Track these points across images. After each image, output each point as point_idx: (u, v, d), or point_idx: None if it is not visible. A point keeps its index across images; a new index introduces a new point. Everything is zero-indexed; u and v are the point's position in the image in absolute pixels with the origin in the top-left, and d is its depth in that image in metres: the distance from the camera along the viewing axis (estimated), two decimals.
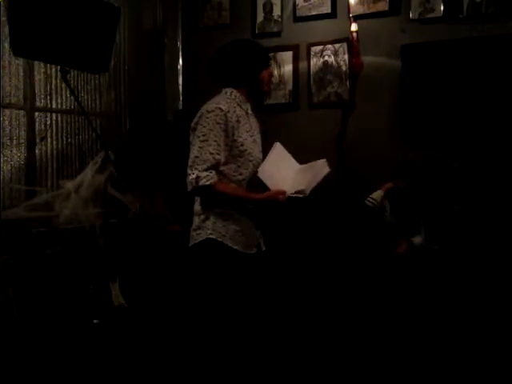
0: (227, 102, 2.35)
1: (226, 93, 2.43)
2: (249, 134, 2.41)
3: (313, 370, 3.17)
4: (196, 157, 2.26)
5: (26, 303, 3.45)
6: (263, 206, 2.37)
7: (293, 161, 2.52)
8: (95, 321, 3.61)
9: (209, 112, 2.30)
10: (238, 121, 2.34)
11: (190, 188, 2.28)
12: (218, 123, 2.28)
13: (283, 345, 3.35)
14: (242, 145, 2.34)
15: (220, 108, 2.30)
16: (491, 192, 3.80)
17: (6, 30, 3.40)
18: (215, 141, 2.27)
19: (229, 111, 2.32)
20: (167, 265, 3.95)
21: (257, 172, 2.36)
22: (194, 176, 2.24)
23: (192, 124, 2.36)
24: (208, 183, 2.24)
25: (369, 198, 3.81)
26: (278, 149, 2.48)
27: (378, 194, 3.82)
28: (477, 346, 3.23)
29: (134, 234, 4.08)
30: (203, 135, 2.27)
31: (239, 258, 2.37)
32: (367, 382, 3.08)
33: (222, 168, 2.32)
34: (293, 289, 3.99)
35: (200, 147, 2.27)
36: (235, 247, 2.35)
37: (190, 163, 2.28)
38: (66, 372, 3.11)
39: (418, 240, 3.77)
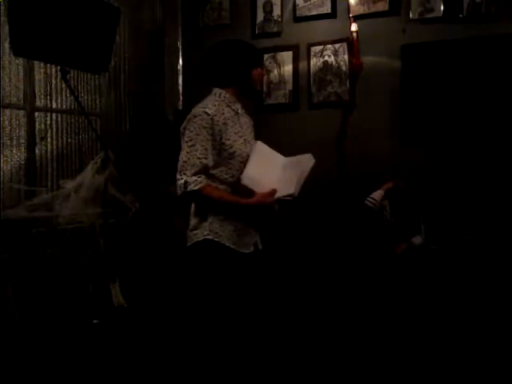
0: (215, 105, 2.35)
1: (215, 94, 2.42)
2: (238, 135, 2.39)
3: (311, 370, 3.17)
4: (184, 162, 2.28)
5: (26, 303, 3.45)
6: (253, 211, 2.37)
7: (277, 155, 2.49)
8: (95, 321, 3.62)
9: (195, 116, 2.30)
10: (225, 123, 2.33)
11: (179, 192, 2.30)
12: (205, 127, 2.28)
13: (282, 344, 3.36)
14: (231, 147, 2.34)
15: (206, 112, 2.30)
16: (492, 192, 3.80)
17: (6, 29, 3.40)
18: (202, 145, 2.28)
19: (216, 114, 2.31)
20: (167, 265, 3.94)
21: (240, 180, 2.33)
22: (183, 181, 2.27)
23: (181, 128, 2.37)
24: (196, 188, 2.26)
25: (369, 198, 3.81)
26: (260, 147, 2.45)
27: (378, 194, 3.82)
28: (476, 346, 3.24)
29: (134, 233, 4.08)
30: (190, 140, 2.29)
31: (237, 258, 2.37)
32: (367, 382, 3.08)
33: (212, 171, 2.33)
34: (292, 288, 3.99)
35: (187, 152, 2.29)
36: (232, 246, 2.36)
37: (178, 168, 2.30)
38: (66, 372, 3.11)
39: (417, 240, 3.77)
